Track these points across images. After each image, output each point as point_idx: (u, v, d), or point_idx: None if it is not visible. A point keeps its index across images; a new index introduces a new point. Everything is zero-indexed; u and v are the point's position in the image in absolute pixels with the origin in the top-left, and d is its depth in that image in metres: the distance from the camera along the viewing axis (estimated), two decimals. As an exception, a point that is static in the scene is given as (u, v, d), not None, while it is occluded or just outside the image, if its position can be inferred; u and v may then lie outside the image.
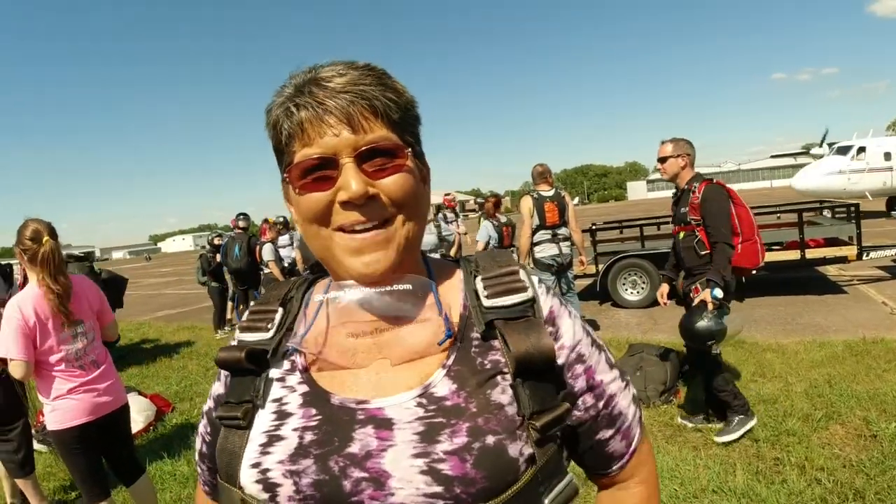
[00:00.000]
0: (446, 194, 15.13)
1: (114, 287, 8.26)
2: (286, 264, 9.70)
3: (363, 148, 0.75)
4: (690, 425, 4.35)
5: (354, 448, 0.73)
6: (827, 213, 10.43)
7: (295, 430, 0.77)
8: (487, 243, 7.98)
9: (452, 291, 0.87)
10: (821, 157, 22.28)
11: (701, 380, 4.13)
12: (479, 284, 0.84)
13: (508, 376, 0.77)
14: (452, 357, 0.79)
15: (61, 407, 2.95)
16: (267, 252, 9.22)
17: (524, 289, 0.83)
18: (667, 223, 8.36)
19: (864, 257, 8.51)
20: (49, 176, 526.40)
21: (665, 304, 4.57)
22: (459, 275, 0.91)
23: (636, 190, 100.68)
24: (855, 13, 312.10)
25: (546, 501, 0.75)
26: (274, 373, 0.84)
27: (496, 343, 0.80)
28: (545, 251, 6.54)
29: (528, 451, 0.74)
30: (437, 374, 0.78)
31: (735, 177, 79.97)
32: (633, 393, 0.91)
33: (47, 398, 2.96)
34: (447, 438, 0.71)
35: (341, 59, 0.81)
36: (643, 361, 5.15)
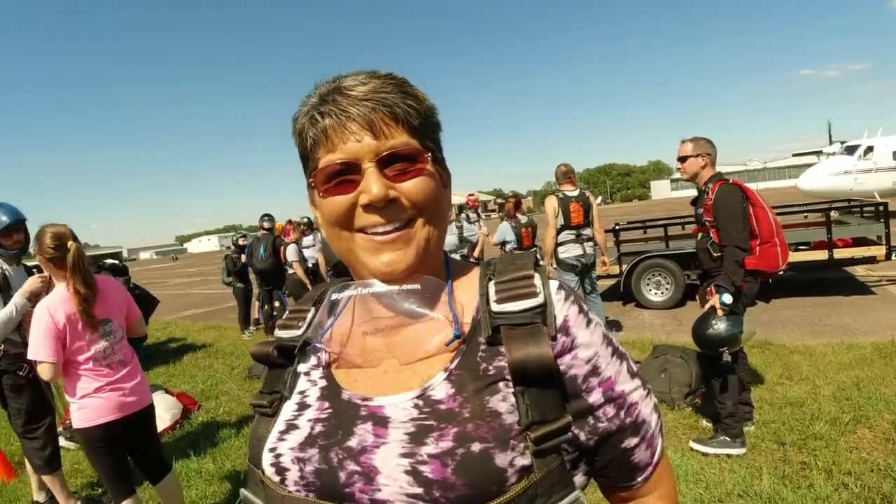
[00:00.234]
0: (470, 194, 15.14)
1: (142, 305, 8.41)
2: (310, 265, 9.76)
3: (384, 153, 0.78)
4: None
5: (353, 442, 0.77)
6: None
7: (309, 420, 0.82)
8: (503, 245, 7.96)
9: (468, 294, 0.88)
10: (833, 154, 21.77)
11: (713, 385, 4.02)
12: (492, 288, 0.84)
13: (511, 384, 0.77)
14: (456, 361, 0.80)
15: (87, 405, 3.00)
16: (291, 253, 9.30)
17: (534, 295, 0.81)
18: (691, 223, 8.28)
19: (893, 257, 8.34)
20: (78, 178, 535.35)
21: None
22: (476, 277, 0.91)
23: (660, 189, 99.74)
24: (879, 7, 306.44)
25: None
26: (302, 367, 0.91)
27: (502, 349, 0.79)
28: (569, 251, 6.51)
29: (522, 462, 0.73)
30: (438, 378, 0.79)
31: (761, 175, 78.89)
32: (655, 401, 0.89)
33: (74, 397, 3.01)
34: (433, 441, 0.73)
35: (365, 68, 0.84)
36: (667, 363, 5.10)
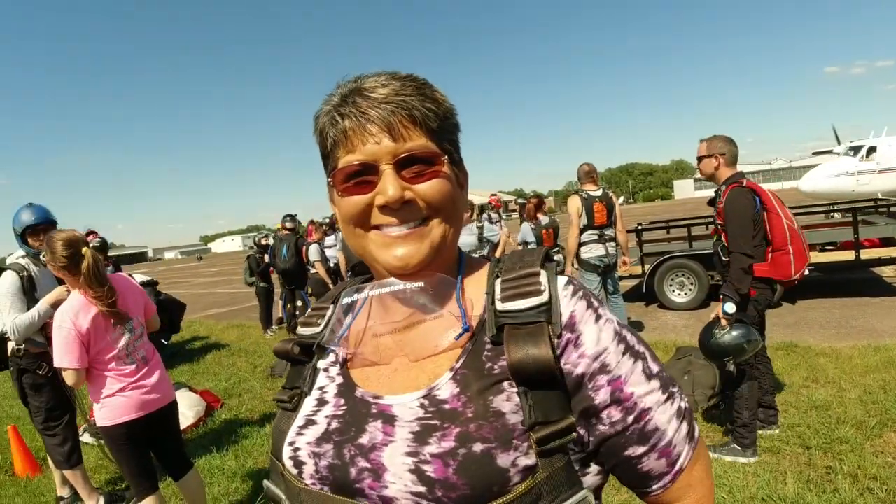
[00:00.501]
0: (492, 194, 15.12)
1: (170, 311, 8.65)
2: (332, 265, 9.82)
3: (402, 155, 0.80)
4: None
5: (364, 439, 0.79)
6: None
7: (327, 416, 0.85)
8: (525, 246, 7.92)
9: (478, 291, 0.88)
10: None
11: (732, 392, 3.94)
12: (498, 286, 0.84)
13: (515, 384, 0.77)
14: (462, 360, 0.80)
15: (110, 404, 3.02)
16: (313, 252, 9.35)
17: (539, 293, 0.80)
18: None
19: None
20: (107, 179, 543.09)
21: None
22: (485, 274, 0.91)
23: (683, 189, 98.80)
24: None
25: None
26: (321, 363, 0.94)
27: (504, 348, 0.79)
28: (592, 252, 6.48)
29: (525, 462, 0.72)
30: (444, 377, 0.80)
31: (786, 174, 77.74)
32: (679, 407, 0.83)
33: (98, 399, 3.03)
34: (436, 441, 0.74)
35: (387, 69, 0.86)
36: (691, 365, 5.04)
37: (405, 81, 0.82)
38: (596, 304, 0.83)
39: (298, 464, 0.82)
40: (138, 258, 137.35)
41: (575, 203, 6.48)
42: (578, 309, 0.81)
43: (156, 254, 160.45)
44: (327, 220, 10.66)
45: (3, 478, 5.17)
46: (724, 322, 3.73)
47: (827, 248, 8.84)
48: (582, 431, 0.79)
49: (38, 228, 3.93)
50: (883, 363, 5.36)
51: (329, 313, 0.98)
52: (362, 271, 1.00)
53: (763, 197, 3.80)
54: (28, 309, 3.76)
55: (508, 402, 0.75)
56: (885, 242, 8.44)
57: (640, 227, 9.72)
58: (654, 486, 0.83)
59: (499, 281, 0.85)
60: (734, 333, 3.71)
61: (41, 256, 3.17)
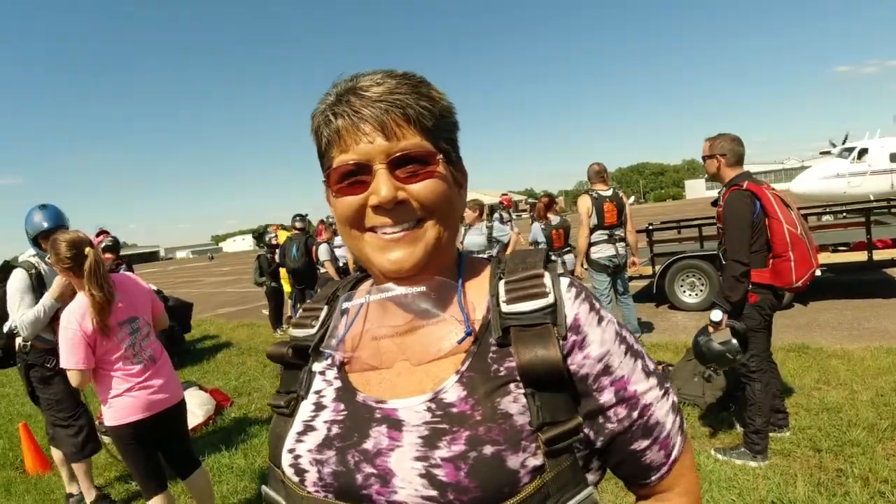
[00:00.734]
0: (503, 194, 15.09)
1: (180, 314, 8.79)
2: (341, 264, 9.84)
3: (396, 155, 0.78)
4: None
5: (368, 445, 0.78)
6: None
7: (326, 422, 0.83)
8: (535, 246, 7.90)
9: (479, 293, 0.87)
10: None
11: (746, 393, 3.90)
12: (501, 288, 0.84)
13: (522, 385, 0.77)
14: (467, 363, 0.80)
15: (117, 404, 3.03)
16: (323, 252, 9.37)
17: (544, 294, 0.80)
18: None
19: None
20: (119, 179, 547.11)
21: None
22: (487, 276, 0.90)
23: (694, 188, 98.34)
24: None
25: None
26: (317, 366, 0.91)
27: (513, 349, 0.79)
28: (602, 252, 6.45)
29: (534, 462, 0.73)
30: (450, 380, 0.79)
31: (798, 174, 77.12)
32: (672, 401, 0.87)
33: (105, 400, 3.04)
34: (446, 445, 0.73)
35: (384, 67, 0.85)
36: (701, 367, 5.00)
37: (401, 80, 0.81)
38: (598, 305, 0.84)
39: (300, 471, 0.81)
40: (150, 257, 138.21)
41: (585, 203, 6.46)
42: (582, 311, 0.82)
43: (167, 253, 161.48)
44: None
45: (13, 475, 5.22)
46: (710, 329, 3.76)
47: (839, 248, 8.76)
48: (588, 430, 0.80)
49: (51, 234, 3.89)
50: (895, 365, 5.30)
51: (322, 314, 0.96)
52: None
53: (764, 201, 3.65)
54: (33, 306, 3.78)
55: (515, 403, 0.76)
56: (898, 243, 8.32)
57: (650, 228, 9.66)
58: (654, 477, 0.86)
59: (502, 283, 0.85)
60: (718, 343, 3.75)
61: (47, 258, 3.19)
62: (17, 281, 3.82)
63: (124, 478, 4.79)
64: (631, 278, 8.06)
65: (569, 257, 7.65)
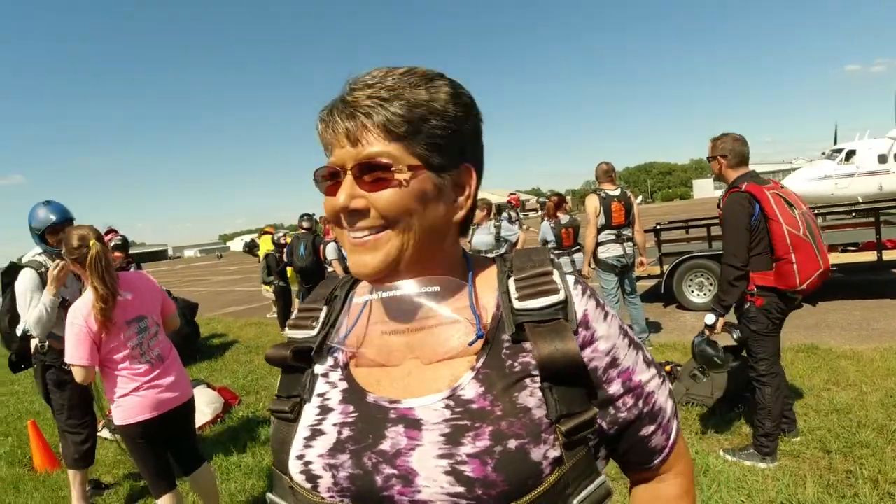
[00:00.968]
0: (511, 193, 15.05)
1: (185, 315, 8.93)
2: (349, 263, 9.86)
3: (361, 161, 0.79)
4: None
5: (386, 445, 0.77)
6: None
7: (335, 425, 0.82)
8: (544, 245, 7.88)
9: (488, 292, 0.88)
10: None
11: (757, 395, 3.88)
12: (512, 285, 0.85)
13: (538, 379, 0.79)
14: (482, 360, 0.81)
15: (124, 403, 3.03)
16: (330, 251, 9.39)
17: (556, 291, 0.83)
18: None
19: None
20: (126, 179, 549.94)
21: None
22: (495, 274, 0.91)
23: (702, 188, 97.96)
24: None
25: (574, 502, 0.77)
26: (319, 368, 0.91)
27: (527, 345, 0.81)
28: (610, 251, 6.44)
29: (553, 454, 0.76)
30: (466, 377, 0.80)
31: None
32: (668, 388, 0.93)
33: (113, 398, 3.05)
34: (470, 441, 0.74)
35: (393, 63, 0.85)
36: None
37: (392, 79, 0.80)
38: (601, 301, 0.89)
39: (312, 478, 0.80)
40: (158, 256, 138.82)
41: (593, 202, 6.44)
42: (590, 307, 0.85)
43: (175, 252, 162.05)
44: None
45: (22, 472, 5.25)
46: (706, 332, 3.81)
47: (849, 248, 8.70)
48: (600, 420, 0.83)
49: (59, 227, 3.89)
50: (906, 366, 5.25)
51: (322, 315, 0.95)
52: None
53: (763, 203, 3.58)
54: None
55: (532, 397, 0.78)
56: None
57: (658, 227, 9.63)
58: (656, 461, 0.92)
59: (512, 280, 0.86)
60: (707, 347, 3.85)
61: (62, 252, 3.18)
62: (26, 280, 3.80)
63: (134, 476, 4.80)
64: (639, 278, 8.03)
65: (578, 256, 7.63)
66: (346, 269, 9.42)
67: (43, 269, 3.86)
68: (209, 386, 6.44)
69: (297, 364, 0.91)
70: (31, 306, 3.74)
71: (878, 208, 8.46)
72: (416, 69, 0.83)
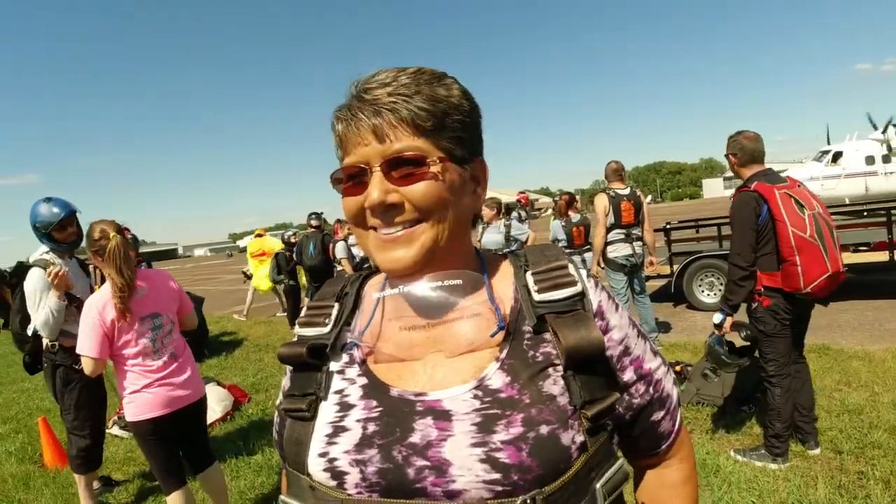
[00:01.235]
0: (521, 192, 15.01)
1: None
2: (358, 260, 9.89)
3: (390, 157, 0.80)
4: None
5: (415, 438, 0.78)
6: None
7: (358, 420, 0.82)
8: (555, 243, 7.86)
9: (504, 285, 0.91)
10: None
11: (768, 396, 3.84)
12: (530, 279, 0.88)
13: (560, 368, 0.81)
14: (505, 350, 0.83)
15: (136, 400, 3.05)
16: (340, 250, 9.42)
17: (574, 283, 0.86)
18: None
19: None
20: (134, 178, 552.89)
21: None
22: (510, 269, 0.94)
23: (712, 188, 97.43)
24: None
25: (597, 486, 0.80)
26: (334, 366, 0.90)
27: (547, 336, 0.84)
28: (619, 251, 6.42)
29: (579, 439, 0.78)
30: (491, 367, 0.82)
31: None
32: (672, 375, 0.98)
33: (124, 393, 3.07)
34: (503, 429, 0.75)
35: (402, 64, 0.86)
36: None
37: (404, 80, 0.82)
38: (611, 294, 0.94)
39: (338, 475, 0.80)
40: (169, 255, 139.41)
41: (602, 201, 6.42)
42: (603, 299, 0.90)
43: (186, 251, 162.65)
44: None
45: (32, 469, 5.28)
46: (715, 331, 3.84)
47: (860, 248, 8.63)
48: (617, 407, 0.86)
49: (66, 222, 3.88)
50: (919, 367, 5.20)
51: (334, 312, 0.95)
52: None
53: (771, 203, 3.53)
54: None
55: (555, 385, 0.80)
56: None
57: (668, 227, 9.58)
58: (664, 446, 0.97)
59: (529, 273, 0.89)
60: (718, 346, 3.88)
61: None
62: (35, 280, 3.75)
63: (144, 473, 4.83)
64: (648, 278, 7.99)
65: (589, 255, 7.61)
66: (355, 268, 9.48)
67: (66, 269, 3.81)
68: (219, 384, 6.47)
69: (313, 361, 0.90)
70: (40, 307, 3.73)
71: (890, 208, 8.37)
72: (425, 69, 0.85)
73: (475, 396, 0.79)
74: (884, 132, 19.26)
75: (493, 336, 0.83)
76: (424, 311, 0.86)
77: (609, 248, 6.45)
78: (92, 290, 4.02)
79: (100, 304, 2.97)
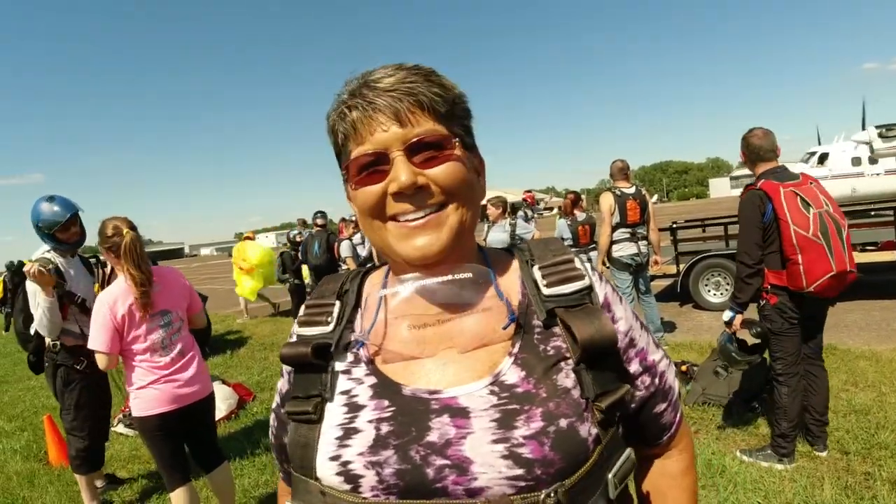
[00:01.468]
0: (527, 191, 14.98)
1: None
2: (362, 260, 9.90)
3: (412, 140, 0.79)
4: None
5: (433, 437, 0.76)
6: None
7: (370, 421, 0.79)
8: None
9: (510, 280, 0.90)
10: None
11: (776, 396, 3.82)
12: (537, 273, 0.88)
13: (571, 361, 0.81)
14: (518, 345, 0.82)
15: (143, 395, 3.06)
16: (345, 249, 9.43)
17: (582, 276, 0.87)
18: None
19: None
20: (140, 177, 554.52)
21: None
22: (515, 263, 0.94)
23: (719, 187, 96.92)
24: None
25: (609, 476, 0.80)
26: (338, 366, 0.87)
27: (557, 330, 0.83)
28: (624, 250, 6.40)
29: (594, 431, 0.78)
30: (506, 363, 0.80)
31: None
32: (674, 367, 0.99)
33: (132, 388, 3.09)
34: (524, 424, 0.74)
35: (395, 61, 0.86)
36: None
37: (410, 70, 0.82)
38: (614, 286, 0.95)
39: (352, 478, 0.76)
40: (175, 254, 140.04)
41: (607, 200, 6.41)
42: (608, 291, 0.91)
43: (192, 250, 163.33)
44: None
45: (37, 466, 5.30)
46: (726, 328, 3.86)
47: (867, 248, 8.58)
48: (626, 398, 0.86)
49: (70, 222, 3.84)
50: (926, 367, 5.16)
51: (336, 310, 0.91)
52: (380, 263, 0.98)
53: (775, 202, 3.52)
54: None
55: (568, 378, 0.79)
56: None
57: (674, 226, 9.54)
58: (666, 437, 0.98)
59: (536, 268, 0.89)
60: (728, 343, 3.88)
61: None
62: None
63: (150, 473, 4.84)
64: (653, 277, 7.97)
65: (594, 254, 7.60)
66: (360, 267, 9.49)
67: (51, 266, 3.75)
68: (224, 382, 6.48)
69: (317, 362, 0.86)
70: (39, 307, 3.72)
71: (897, 207, 8.33)
72: (420, 65, 0.85)
73: (492, 392, 0.77)
74: (864, 128, 19.00)
75: (504, 328, 0.82)
76: (419, 307, 0.85)
77: (614, 247, 6.43)
78: (102, 287, 4.00)
79: (110, 300, 2.99)
